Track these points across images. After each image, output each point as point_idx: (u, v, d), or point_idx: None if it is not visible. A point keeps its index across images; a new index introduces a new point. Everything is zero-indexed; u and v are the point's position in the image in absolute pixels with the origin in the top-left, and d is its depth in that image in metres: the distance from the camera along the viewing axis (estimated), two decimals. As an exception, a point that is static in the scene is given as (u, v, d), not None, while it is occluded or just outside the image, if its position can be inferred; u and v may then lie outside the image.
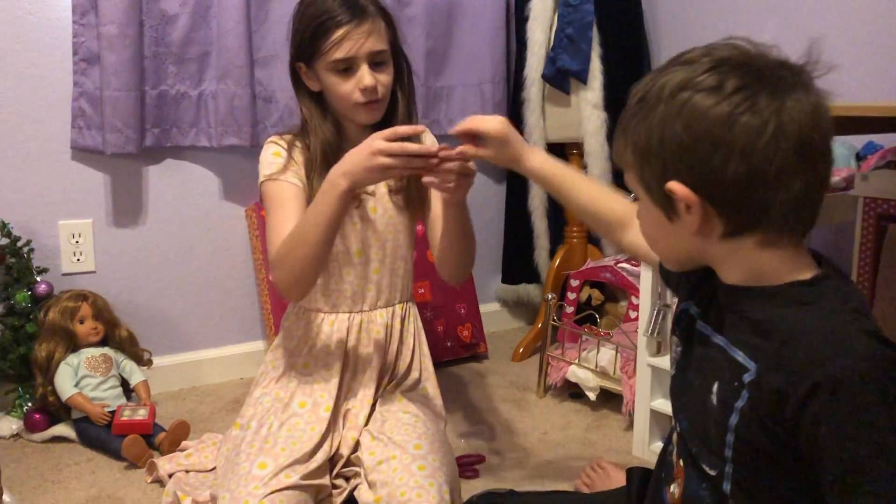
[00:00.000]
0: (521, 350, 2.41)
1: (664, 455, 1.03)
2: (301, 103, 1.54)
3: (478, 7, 2.45)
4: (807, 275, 0.82)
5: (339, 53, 1.42)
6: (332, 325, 1.56)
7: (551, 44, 2.29)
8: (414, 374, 1.62)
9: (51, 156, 1.96)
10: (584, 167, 2.37)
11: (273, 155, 1.52)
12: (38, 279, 1.90)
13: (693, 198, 0.80)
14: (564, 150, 2.42)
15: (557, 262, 2.41)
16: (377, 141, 1.26)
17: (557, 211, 2.49)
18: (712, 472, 0.87)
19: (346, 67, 1.44)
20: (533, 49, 2.32)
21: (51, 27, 1.92)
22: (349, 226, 1.54)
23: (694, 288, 0.96)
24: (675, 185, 0.81)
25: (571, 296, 2.25)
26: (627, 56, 2.33)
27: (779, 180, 0.78)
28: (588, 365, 1.99)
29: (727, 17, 2.24)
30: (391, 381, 1.59)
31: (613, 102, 2.26)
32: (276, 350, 1.62)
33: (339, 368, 1.54)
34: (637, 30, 2.38)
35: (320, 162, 1.50)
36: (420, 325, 1.68)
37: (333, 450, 1.47)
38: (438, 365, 2.29)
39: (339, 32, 1.42)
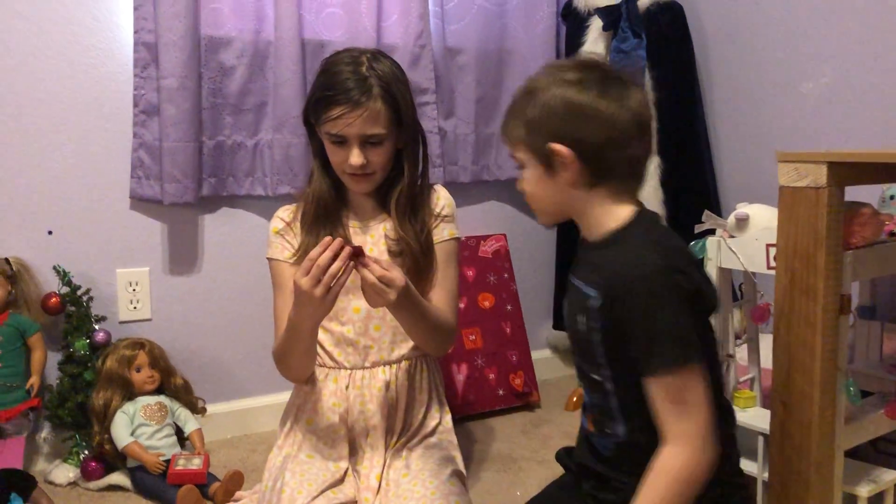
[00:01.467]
0: (574, 399, 2.36)
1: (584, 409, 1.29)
2: (311, 152, 1.62)
3: (528, 55, 2.46)
4: (621, 223, 1.15)
5: (334, 129, 1.48)
6: (335, 382, 1.58)
7: (603, 90, 2.28)
8: (426, 430, 1.62)
9: (110, 206, 2.00)
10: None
11: (273, 233, 1.61)
12: (97, 327, 1.93)
13: (569, 154, 1.11)
14: (616, 196, 2.40)
15: (611, 308, 2.37)
16: (300, 282, 1.31)
17: (610, 257, 2.45)
18: (598, 378, 1.16)
19: (340, 141, 1.49)
20: (584, 95, 2.31)
21: (113, 80, 1.97)
22: (348, 283, 1.56)
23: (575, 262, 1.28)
24: (556, 146, 1.11)
25: (626, 343, 2.20)
26: (680, 101, 2.31)
27: (624, 143, 1.12)
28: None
29: (783, 62, 2.22)
30: (400, 439, 1.58)
31: (667, 147, 2.24)
32: (288, 408, 1.65)
33: (343, 426, 1.56)
34: (690, 75, 2.36)
35: (312, 216, 1.57)
36: (438, 380, 1.68)
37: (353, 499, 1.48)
38: (490, 413, 2.28)
39: (336, 111, 1.46)
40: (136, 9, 1.93)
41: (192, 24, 1.93)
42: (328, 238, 1.32)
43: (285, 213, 1.63)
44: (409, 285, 1.40)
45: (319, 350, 1.59)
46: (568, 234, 2.48)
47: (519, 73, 2.46)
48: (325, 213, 1.57)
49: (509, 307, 2.41)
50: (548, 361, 2.66)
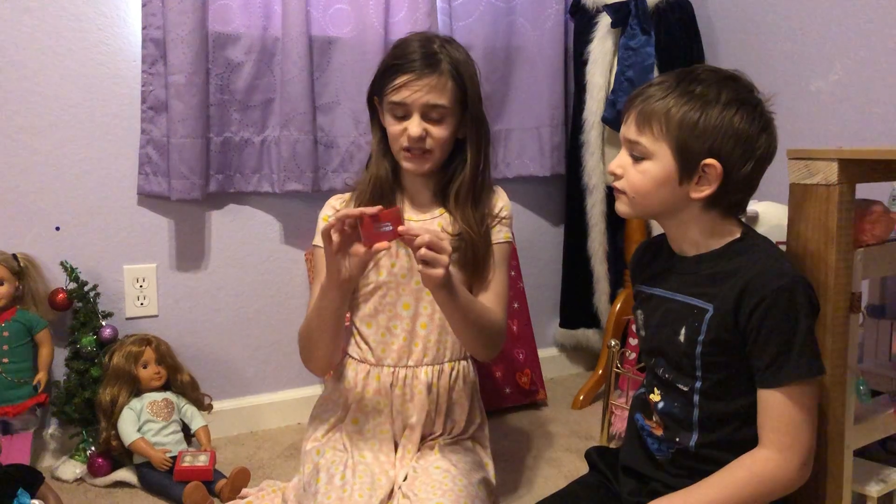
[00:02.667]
0: (581, 397, 2.35)
1: (638, 401, 1.31)
2: (372, 135, 1.60)
3: (536, 51, 2.45)
4: (737, 235, 1.19)
5: (397, 98, 1.48)
6: (378, 380, 1.56)
7: (611, 87, 2.28)
8: (465, 435, 1.61)
9: (118, 202, 2.00)
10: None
11: (323, 221, 1.58)
12: (104, 323, 1.93)
13: (721, 173, 1.13)
14: (624, 194, 2.39)
15: (618, 306, 2.37)
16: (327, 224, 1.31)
17: (618, 255, 2.45)
18: (685, 388, 1.19)
19: (402, 113, 1.49)
20: (592, 92, 2.31)
21: (121, 77, 1.97)
22: (399, 277, 1.54)
23: (646, 275, 1.31)
24: (713, 161, 1.13)
25: (633, 342, 2.19)
26: (689, 98, 2.30)
27: (758, 178, 1.17)
28: (654, 414, 1.93)
29: (792, 59, 2.21)
30: (436, 438, 1.57)
31: (675, 145, 2.22)
32: (324, 403, 1.63)
33: (389, 425, 1.55)
34: (698, 72, 2.35)
35: (368, 196, 1.54)
36: (476, 386, 1.66)
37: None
38: (497, 412, 2.27)
39: (402, 79, 1.47)
40: (144, 5, 1.93)
41: (200, 21, 1.93)
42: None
43: (337, 201, 1.61)
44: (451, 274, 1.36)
45: (363, 345, 1.58)
46: (577, 234, 2.48)
47: (527, 70, 2.46)
48: (381, 196, 1.55)
49: (516, 305, 2.40)
50: (554, 360, 2.66)
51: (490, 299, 1.54)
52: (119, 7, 1.95)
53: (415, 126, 1.47)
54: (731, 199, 1.18)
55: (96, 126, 1.96)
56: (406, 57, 1.48)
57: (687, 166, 1.14)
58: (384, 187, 1.56)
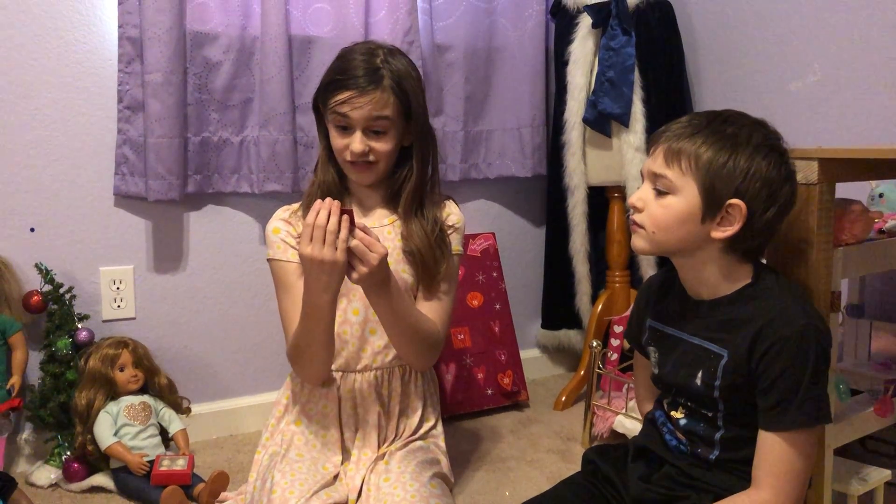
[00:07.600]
0: (563, 398, 2.35)
1: (659, 404, 1.32)
2: (319, 140, 1.62)
3: (517, 52, 2.45)
4: (748, 280, 1.19)
5: (340, 114, 1.49)
6: (325, 384, 1.57)
7: (592, 87, 2.28)
8: (418, 435, 1.61)
9: (94, 202, 1.97)
10: (626, 211, 2.33)
11: (273, 233, 1.59)
12: (80, 326, 1.90)
13: (744, 216, 1.13)
14: (605, 194, 2.39)
15: (600, 307, 2.36)
16: (305, 251, 1.32)
17: (599, 255, 2.45)
18: (710, 414, 1.21)
19: (345, 126, 1.50)
20: (573, 93, 2.31)
21: (96, 76, 1.94)
22: (347, 284, 1.54)
23: (659, 311, 1.31)
24: (738, 202, 1.13)
25: (615, 342, 2.19)
26: (669, 99, 2.30)
27: (778, 226, 1.19)
28: (636, 415, 1.93)
29: (773, 59, 2.21)
30: (391, 443, 1.57)
31: (656, 146, 2.23)
32: (274, 408, 1.64)
33: (335, 427, 1.55)
34: (678, 73, 2.36)
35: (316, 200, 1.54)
36: (433, 388, 1.66)
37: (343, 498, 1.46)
38: (479, 413, 2.26)
39: (343, 95, 1.48)
40: (120, 3, 1.90)
41: (178, 19, 1.91)
42: (318, 201, 1.32)
43: (285, 213, 1.61)
44: (391, 274, 1.40)
45: None
46: (559, 234, 2.47)
47: (508, 70, 2.45)
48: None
49: (498, 306, 2.39)
50: (536, 361, 2.65)
51: (432, 308, 1.55)
52: (95, 5, 1.92)
53: (357, 143, 1.49)
54: (749, 244, 1.17)
55: (72, 126, 1.93)
56: (348, 72, 1.48)
57: (712, 204, 1.14)
58: (332, 193, 1.56)
